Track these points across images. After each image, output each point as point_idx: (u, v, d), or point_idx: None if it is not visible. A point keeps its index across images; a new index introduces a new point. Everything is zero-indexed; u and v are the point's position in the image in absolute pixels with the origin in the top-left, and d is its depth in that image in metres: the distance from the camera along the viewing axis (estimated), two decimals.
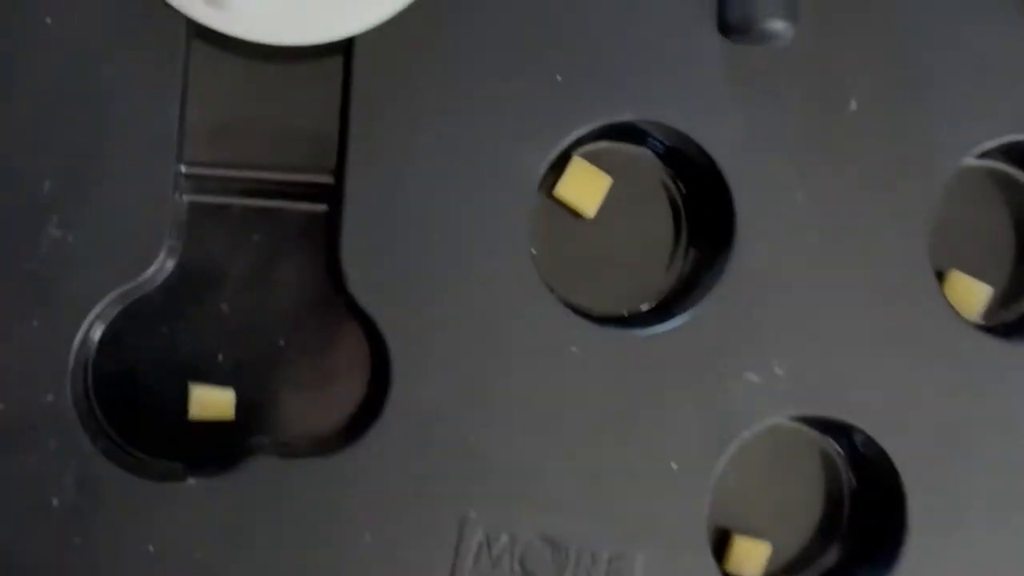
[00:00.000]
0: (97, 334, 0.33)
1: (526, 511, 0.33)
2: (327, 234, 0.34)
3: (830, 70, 0.34)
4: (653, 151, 0.35)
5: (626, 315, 0.35)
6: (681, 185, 0.35)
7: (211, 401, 0.34)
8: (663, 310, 0.35)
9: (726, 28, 0.33)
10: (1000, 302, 0.36)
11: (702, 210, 0.35)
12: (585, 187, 0.35)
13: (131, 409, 0.34)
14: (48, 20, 0.32)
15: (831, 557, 0.36)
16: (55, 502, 0.31)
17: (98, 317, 0.32)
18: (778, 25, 0.33)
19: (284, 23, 0.32)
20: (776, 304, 0.34)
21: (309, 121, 0.33)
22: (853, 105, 0.34)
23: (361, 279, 0.32)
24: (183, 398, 0.34)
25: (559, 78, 0.33)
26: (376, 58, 0.33)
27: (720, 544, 0.35)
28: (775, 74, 0.34)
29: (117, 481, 0.31)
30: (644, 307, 0.35)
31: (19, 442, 0.31)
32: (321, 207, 0.34)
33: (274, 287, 0.34)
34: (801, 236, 0.34)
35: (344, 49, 0.33)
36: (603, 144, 0.35)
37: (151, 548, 0.31)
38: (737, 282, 0.34)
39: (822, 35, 0.34)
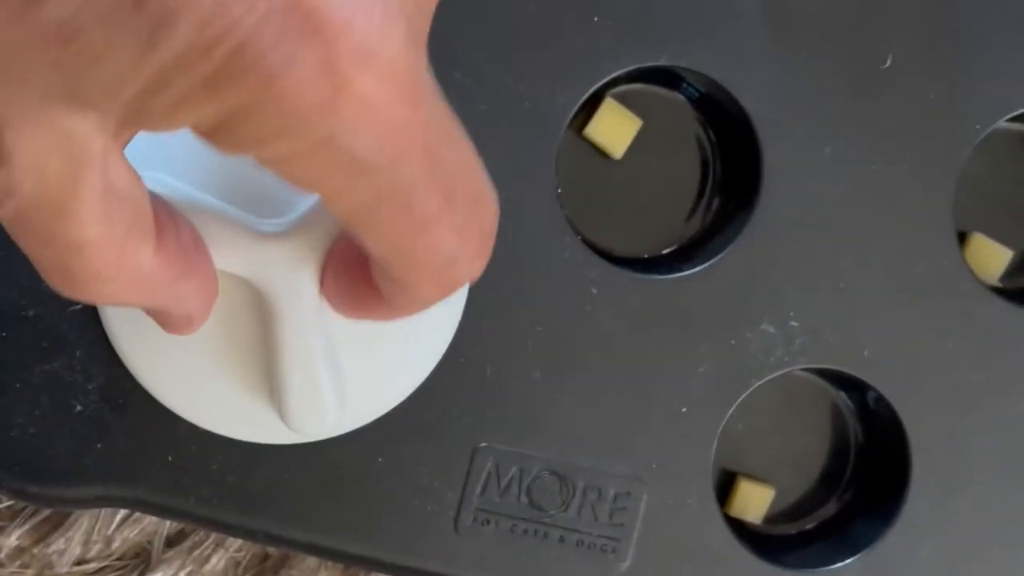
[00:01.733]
0: None
1: (537, 444, 0.33)
2: None
3: (868, 25, 0.34)
4: (686, 96, 0.35)
5: (647, 257, 0.35)
6: (711, 132, 0.35)
7: None
8: (684, 255, 0.35)
9: None
10: (1021, 266, 0.37)
11: (730, 159, 0.35)
12: (615, 128, 0.35)
13: None
14: None
15: (832, 507, 0.36)
16: (78, 407, 0.32)
17: None
18: None
19: None
20: (797, 257, 0.34)
21: None
22: (888, 61, 0.34)
23: None
24: None
25: (596, 19, 0.33)
26: None
27: (725, 486, 0.36)
28: (812, 27, 0.34)
29: (139, 393, 0.32)
30: (666, 251, 0.36)
31: (47, 348, 0.32)
32: None
33: None
34: (827, 190, 0.34)
35: None
36: (636, 86, 0.35)
37: (169, 458, 0.32)
38: (760, 233, 0.34)
39: None
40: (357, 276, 0.26)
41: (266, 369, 0.30)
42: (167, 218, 0.23)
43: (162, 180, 0.27)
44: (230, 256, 0.27)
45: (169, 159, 0.29)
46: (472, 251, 0.22)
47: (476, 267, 0.23)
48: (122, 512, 0.36)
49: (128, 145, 0.30)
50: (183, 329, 0.26)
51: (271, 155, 0.19)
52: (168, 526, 0.36)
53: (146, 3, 0.17)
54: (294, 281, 0.27)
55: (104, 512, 0.36)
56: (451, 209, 0.21)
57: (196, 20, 0.17)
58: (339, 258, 0.27)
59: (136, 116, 0.18)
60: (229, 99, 0.18)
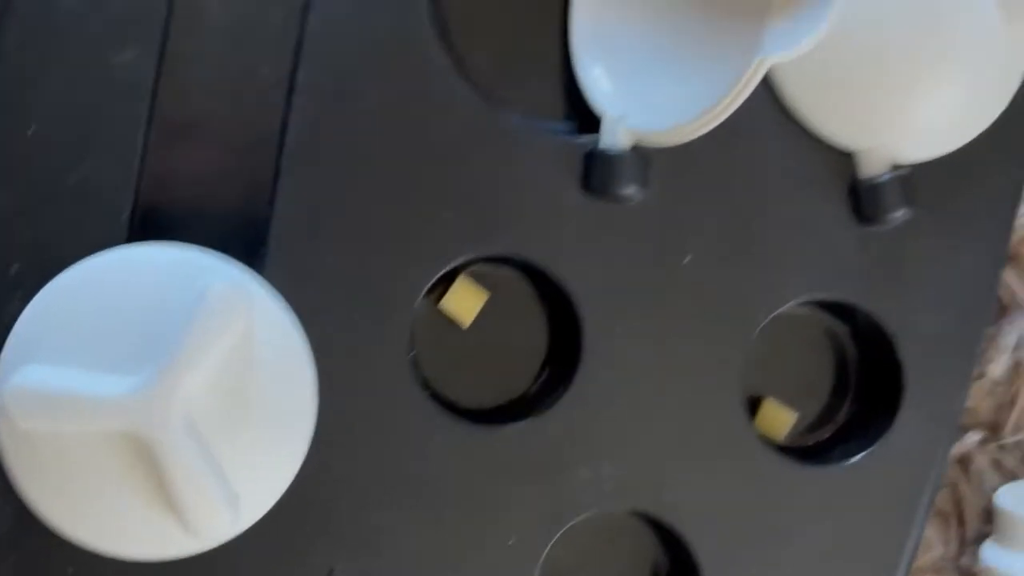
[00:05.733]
0: None
1: (382, 570, 0.39)
2: None
3: (672, 228, 0.41)
4: (526, 275, 0.42)
5: (486, 410, 0.42)
6: (546, 307, 0.42)
7: None
8: (518, 410, 0.42)
9: (588, 188, 0.40)
10: (805, 428, 0.44)
11: (559, 332, 0.42)
12: (464, 302, 0.41)
13: None
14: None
15: None
16: None
17: None
18: (629, 190, 0.40)
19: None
20: (612, 415, 0.40)
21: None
22: (688, 258, 0.41)
23: None
24: None
25: (444, 214, 0.40)
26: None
27: None
28: (627, 227, 0.40)
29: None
30: (502, 403, 0.42)
31: None
32: None
33: None
34: (637, 364, 0.40)
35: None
36: (486, 266, 0.42)
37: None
38: (581, 394, 0.40)
39: (667, 199, 0.40)
40: None
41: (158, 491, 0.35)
42: None
43: (24, 374, 0.33)
44: (95, 418, 0.33)
45: (42, 346, 0.34)
46: None
47: None
48: None
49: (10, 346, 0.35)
50: None
51: None
52: None
53: None
54: (161, 422, 0.33)
55: None
56: None
57: None
58: None
59: None
60: None
